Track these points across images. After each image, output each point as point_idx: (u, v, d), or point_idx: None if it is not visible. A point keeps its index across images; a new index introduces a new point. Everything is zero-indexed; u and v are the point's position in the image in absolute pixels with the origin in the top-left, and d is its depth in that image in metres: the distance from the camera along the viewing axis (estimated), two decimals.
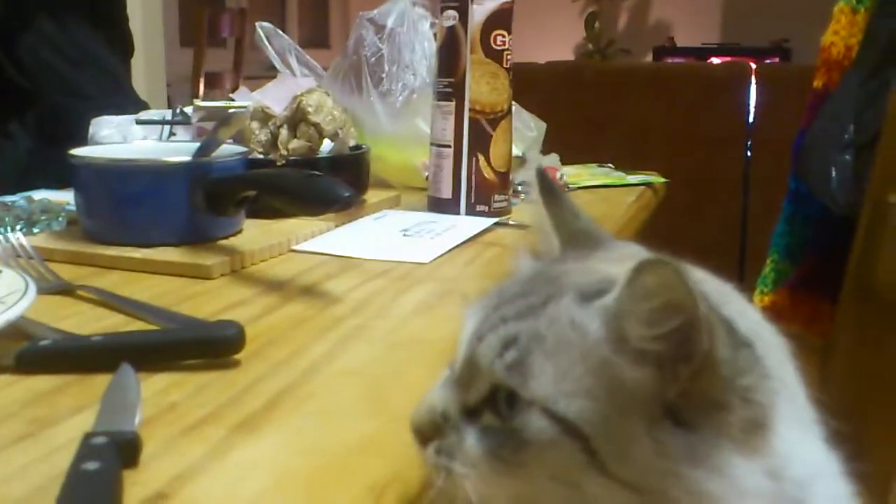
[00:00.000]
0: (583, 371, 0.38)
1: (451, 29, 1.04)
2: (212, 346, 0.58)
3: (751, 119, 3.01)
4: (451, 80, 1.05)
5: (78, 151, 0.87)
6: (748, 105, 3.01)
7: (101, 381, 0.52)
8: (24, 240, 0.80)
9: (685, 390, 0.37)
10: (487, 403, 0.40)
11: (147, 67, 2.86)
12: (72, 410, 0.50)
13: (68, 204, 0.94)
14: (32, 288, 0.61)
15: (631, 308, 0.37)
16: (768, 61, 4.61)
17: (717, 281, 0.43)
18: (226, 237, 0.87)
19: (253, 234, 0.90)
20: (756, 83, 3.01)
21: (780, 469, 0.37)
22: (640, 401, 0.37)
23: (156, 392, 0.53)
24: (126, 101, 1.44)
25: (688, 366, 0.36)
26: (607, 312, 0.38)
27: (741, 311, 0.41)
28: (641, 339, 0.37)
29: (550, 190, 0.48)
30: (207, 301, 0.72)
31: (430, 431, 0.41)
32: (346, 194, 0.72)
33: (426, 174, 1.15)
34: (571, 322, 0.39)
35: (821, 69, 1.29)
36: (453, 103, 1.05)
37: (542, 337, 0.39)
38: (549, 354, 0.38)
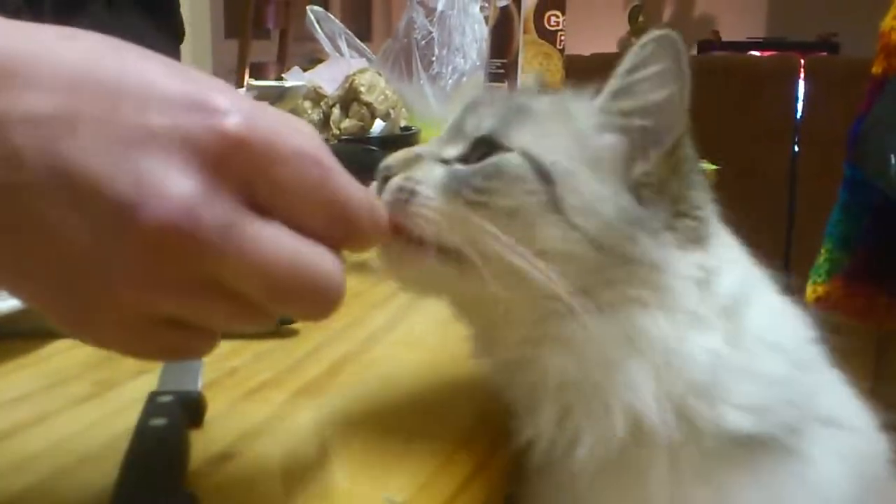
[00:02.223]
0: (564, 139, 0.43)
1: (505, 9, 1.03)
2: None
3: (799, 113, 2.96)
4: (504, 60, 1.04)
5: None
6: (796, 99, 2.97)
7: None
8: None
9: (653, 172, 0.42)
10: (464, 158, 0.43)
11: (194, 59, 2.89)
12: (134, 373, 0.50)
13: None
14: None
15: (624, 80, 0.42)
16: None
17: None
18: None
19: None
20: (804, 77, 2.96)
21: (710, 275, 0.42)
22: (612, 170, 0.42)
23: (216, 357, 0.52)
24: None
25: (660, 143, 0.42)
26: (598, 97, 0.44)
27: None
28: (628, 111, 0.42)
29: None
30: None
31: (399, 167, 0.43)
32: None
33: None
34: (561, 104, 0.44)
35: (879, 55, 1.25)
36: (506, 84, 1.05)
37: (530, 109, 0.44)
38: (534, 121, 0.43)
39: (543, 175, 0.41)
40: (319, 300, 0.33)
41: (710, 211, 0.44)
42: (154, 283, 0.30)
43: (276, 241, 0.31)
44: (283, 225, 0.32)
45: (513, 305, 0.42)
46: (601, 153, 0.42)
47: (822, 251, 1.30)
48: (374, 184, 0.43)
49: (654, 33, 0.42)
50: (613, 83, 0.43)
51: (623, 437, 0.40)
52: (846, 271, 1.26)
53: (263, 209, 0.31)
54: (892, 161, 1.12)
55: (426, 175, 0.42)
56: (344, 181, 0.33)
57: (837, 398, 0.46)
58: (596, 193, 0.41)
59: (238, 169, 0.30)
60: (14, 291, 0.32)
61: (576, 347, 0.41)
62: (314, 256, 0.32)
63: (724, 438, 0.41)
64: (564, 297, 0.40)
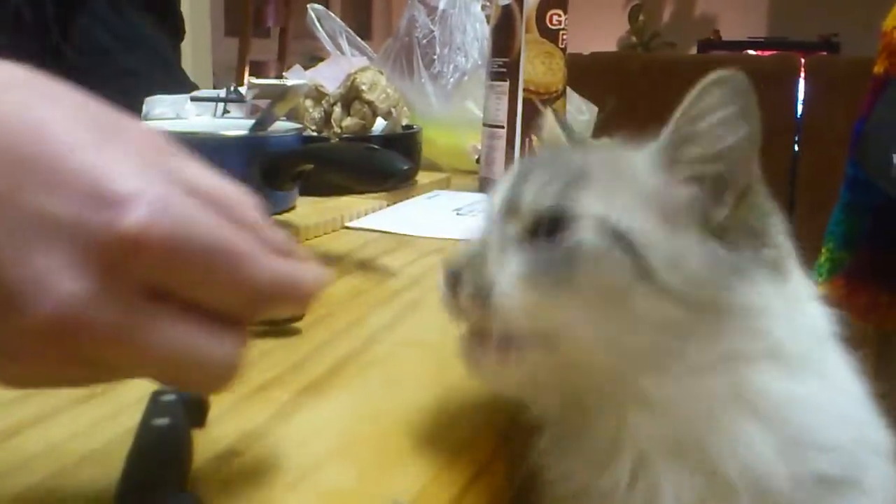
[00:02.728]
0: (632, 197, 0.40)
1: (507, 8, 1.03)
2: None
3: (799, 113, 2.96)
4: (506, 59, 1.04)
5: None
6: (797, 99, 2.97)
7: None
8: None
9: (731, 213, 0.40)
10: (528, 236, 0.41)
11: (194, 57, 2.89)
12: None
13: None
14: None
15: (691, 127, 0.40)
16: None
17: None
18: (280, 213, 0.87)
19: (306, 210, 0.90)
20: (805, 77, 2.96)
21: (797, 308, 0.41)
22: (689, 220, 0.40)
23: None
24: (177, 83, 1.44)
25: (736, 185, 0.40)
26: (659, 146, 0.41)
27: None
28: (697, 160, 0.40)
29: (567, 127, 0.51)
30: None
31: (465, 269, 0.41)
32: (405, 167, 0.72)
33: (476, 157, 1.15)
34: (617, 160, 0.42)
35: (881, 55, 1.25)
36: (507, 83, 1.04)
37: (588, 173, 0.41)
38: (597, 184, 0.40)
39: (624, 243, 0.38)
40: (206, 386, 0.34)
41: (786, 236, 0.43)
42: (38, 360, 0.30)
43: (168, 339, 0.31)
44: (182, 312, 0.31)
45: (601, 382, 0.40)
46: (675, 205, 0.40)
47: (824, 251, 1.30)
48: (439, 279, 0.43)
49: (717, 75, 0.39)
50: (676, 130, 0.41)
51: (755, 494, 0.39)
52: (847, 271, 1.26)
53: (166, 294, 0.31)
54: (894, 161, 1.12)
55: (499, 269, 0.40)
56: (257, 269, 0.32)
57: (877, 424, 0.44)
58: (679, 249, 0.39)
59: (135, 269, 0.30)
60: None
61: (667, 408, 0.39)
62: (207, 349, 0.32)
63: (803, 482, 0.39)
64: (639, 376, 0.39)
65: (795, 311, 0.41)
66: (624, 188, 0.41)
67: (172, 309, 0.31)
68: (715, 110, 0.39)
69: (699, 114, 0.40)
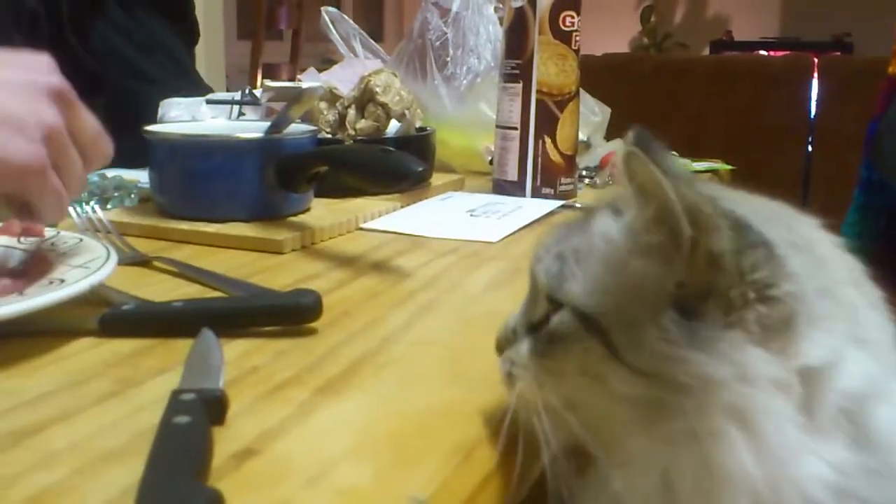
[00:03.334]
0: (605, 272, 0.40)
1: (520, 10, 1.03)
2: (290, 314, 0.58)
3: (812, 114, 2.95)
4: (519, 61, 1.04)
5: (153, 128, 0.88)
6: (810, 99, 2.96)
7: (183, 345, 0.52)
8: (101, 213, 0.81)
9: (685, 280, 0.38)
10: (547, 317, 0.43)
11: (207, 59, 2.90)
12: (156, 371, 0.50)
13: (140, 182, 0.95)
14: (114, 255, 0.62)
15: (629, 199, 0.40)
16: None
17: (769, 202, 0.45)
18: (295, 214, 0.88)
19: (321, 212, 0.90)
20: (818, 77, 2.96)
21: (815, 374, 0.37)
22: (647, 292, 0.39)
23: (237, 356, 0.53)
24: (192, 87, 1.45)
25: (678, 254, 0.38)
26: (624, 221, 0.41)
27: (792, 226, 0.42)
28: (640, 230, 0.39)
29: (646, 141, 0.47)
30: (279, 274, 0.73)
31: (503, 344, 0.46)
32: (419, 168, 0.72)
33: (490, 158, 1.15)
34: (603, 233, 0.41)
35: (895, 55, 1.25)
36: (520, 85, 1.05)
37: (579, 249, 0.42)
38: (582, 262, 0.41)
39: (593, 327, 0.39)
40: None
41: (793, 283, 0.38)
42: None
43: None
44: None
45: (607, 443, 0.41)
46: (638, 279, 0.39)
47: None
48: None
49: (622, 152, 0.39)
50: (626, 202, 0.41)
51: None
52: None
53: None
54: None
55: (517, 354, 0.44)
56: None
57: None
58: (640, 324, 0.38)
59: None
60: None
61: (660, 471, 0.39)
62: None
63: None
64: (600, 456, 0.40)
65: (808, 375, 0.37)
66: (603, 267, 0.41)
67: None
68: (629, 184, 0.39)
69: (626, 185, 0.40)
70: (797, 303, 0.37)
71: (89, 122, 0.61)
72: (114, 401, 0.47)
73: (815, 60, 2.98)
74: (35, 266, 0.61)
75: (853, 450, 0.37)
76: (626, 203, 0.40)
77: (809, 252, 0.40)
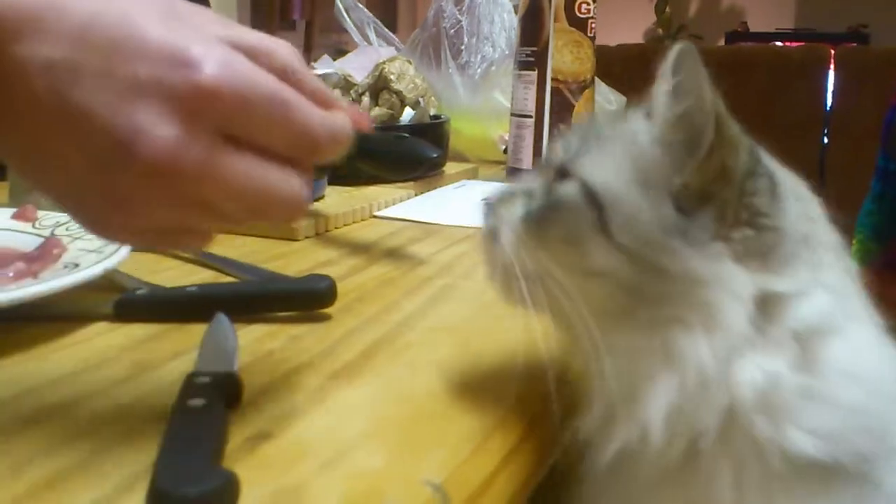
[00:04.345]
0: (621, 157, 0.43)
1: None
2: (305, 299, 0.58)
3: (828, 105, 2.93)
4: (534, 48, 1.04)
5: None
6: (826, 90, 2.94)
7: (197, 330, 0.52)
8: None
9: (690, 182, 0.41)
10: (545, 190, 0.45)
11: None
12: (171, 355, 0.50)
13: None
14: None
15: (657, 91, 0.43)
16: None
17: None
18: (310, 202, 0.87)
19: (335, 200, 0.90)
20: (834, 68, 2.93)
21: (777, 298, 0.41)
22: (654, 181, 0.42)
23: (251, 341, 0.53)
24: None
25: (694, 155, 0.41)
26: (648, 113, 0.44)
27: (799, 184, 0.46)
28: (662, 123, 0.42)
29: None
30: (294, 261, 0.73)
31: (498, 202, 0.47)
32: (433, 155, 0.72)
33: (503, 147, 1.15)
34: (630, 126, 0.44)
35: None
36: (535, 73, 1.04)
37: (602, 135, 0.45)
38: (603, 145, 0.44)
39: (594, 201, 0.42)
40: (283, 214, 0.40)
41: (785, 220, 0.42)
42: (147, 201, 0.37)
43: (245, 170, 0.38)
44: (254, 154, 0.38)
45: (580, 322, 0.43)
46: (650, 168, 0.42)
47: (854, 242, 1.29)
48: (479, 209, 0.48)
49: (674, 48, 0.42)
50: (654, 98, 0.43)
51: (644, 448, 0.41)
52: (878, 263, 1.25)
53: (238, 140, 0.38)
54: None
55: (508, 213, 0.46)
56: (304, 113, 0.39)
57: None
58: (638, 207, 0.41)
59: (212, 114, 0.36)
60: (48, 197, 0.40)
61: (620, 362, 0.42)
62: (278, 179, 0.39)
63: (793, 462, 0.40)
64: (591, 323, 0.42)
65: (776, 298, 0.41)
66: (620, 151, 0.44)
67: (244, 149, 0.38)
68: (667, 80, 0.42)
69: (659, 83, 0.43)
70: (781, 238, 0.42)
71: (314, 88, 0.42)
72: (129, 384, 0.47)
73: (832, 51, 2.96)
74: (49, 250, 0.61)
75: (796, 371, 0.40)
76: (660, 104, 0.43)
77: (806, 207, 0.44)
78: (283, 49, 0.41)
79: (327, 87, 0.43)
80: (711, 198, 0.41)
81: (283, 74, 0.39)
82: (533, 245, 0.44)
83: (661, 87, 0.43)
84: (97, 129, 0.35)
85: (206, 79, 0.36)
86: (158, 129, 0.35)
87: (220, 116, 0.37)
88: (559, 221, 0.43)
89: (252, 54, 0.38)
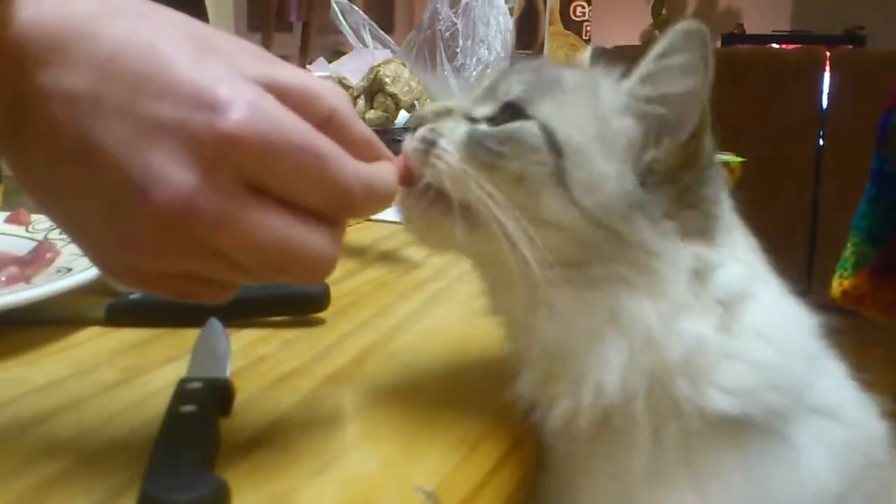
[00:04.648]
0: (585, 116, 0.43)
1: (530, 0, 1.03)
2: (298, 303, 0.58)
3: (824, 107, 2.94)
4: (529, 51, 1.04)
5: None
6: (821, 92, 2.94)
7: (189, 335, 0.52)
8: None
9: (663, 161, 0.42)
10: (490, 119, 0.44)
11: None
12: (163, 360, 0.50)
13: None
14: None
15: (649, 67, 0.42)
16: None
17: None
18: None
19: None
20: (830, 70, 2.94)
21: (709, 268, 0.43)
22: (623, 152, 0.42)
23: (244, 346, 0.53)
24: None
25: (674, 134, 0.42)
26: (622, 79, 0.44)
27: None
28: (647, 98, 0.43)
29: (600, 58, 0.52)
30: None
31: (430, 117, 0.45)
32: None
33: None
34: (591, 81, 0.45)
35: None
36: None
37: (560, 82, 0.44)
38: (562, 93, 0.44)
39: (556, 148, 0.42)
40: (307, 274, 0.37)
41: (722, 208, 0.45)
42: (160, 250, 0.35)
43: (268, 225, 0.35)
44: (279, 205, 0.35)
45: (512, 267, 0.42)
46: (617, 135, 0.43)
47: (849, 245, 1.29)
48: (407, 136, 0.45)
49: (683, 24, 0.42)
50: (641, 68, 0.43)
51: (595, 407, 0.42)
52: (872, 266, 1.25)
53: (265, 191, 0.35)
54: None
55: (450, 129, 0.44)
56: (340, 167, 0.36)
57: (835, 389, 0.47)
58: (602, 172, 0.42)
59: (234, 163, 0.34)
60: (59, 228, 0.38)
61: (561, 316, 0.42)
62: (303, 237, 0.36)
63: (708, 419, 0.41)
64: (536, 267, 0.41)
65: (706, 268, 0.43)
66: (582, 106, 0.43)
67: (269, 201, 0.35)
68: (672, 56, 0.42)
69: (658, 56, 0.43)
70: (718, 222, 0.44)
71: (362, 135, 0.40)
72: (121, 389, 0.47)
73: (828, 53, 2.96)
74: (42, 255, 0.61)
75: (718, 332, 0.42)
76: (643, 77, 0.43)
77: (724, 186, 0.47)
78: (327, 92, 0.37)
79: (375, 138, 0.40)
80: (675, 180, 0.43)
81: (326, 121, 0.36)
82: (477, 173, 0.42)
83: (660, 62, 0.42)
84: (114, 168, 0.33)
85: (231, 125, 0.33)
86: (175, 174, 0.33)
87: (244, 165, 0.34)
88: (512, 158, 0.42)
89: (290, 97, 0.35)
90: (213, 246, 0.35)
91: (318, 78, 0.38)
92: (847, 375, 0.48)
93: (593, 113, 0.43)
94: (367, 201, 0.38)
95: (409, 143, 0.44)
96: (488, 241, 0.42)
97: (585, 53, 0.54)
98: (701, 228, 0.43)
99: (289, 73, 0.37)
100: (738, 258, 0.45)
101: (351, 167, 0.36)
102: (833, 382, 0.47)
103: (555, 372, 0.43)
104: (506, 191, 0.41)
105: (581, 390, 0.42)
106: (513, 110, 0.44)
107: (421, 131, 0.44)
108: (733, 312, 0.43)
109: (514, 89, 0.45)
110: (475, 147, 0.42)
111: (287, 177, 0.35)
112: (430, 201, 0.43)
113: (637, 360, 0.41)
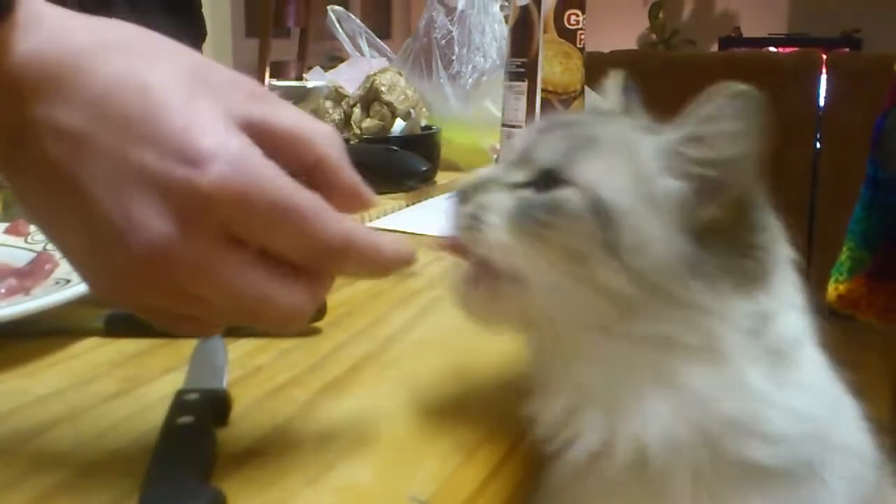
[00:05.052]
0: (629, 177, 0.42)
1: (524, 8, 1.03)
2: None
3: (821, 110, 2.94)
4: (524, 59, 1.04)
5: None
6: (818, 96, 2.95)
7: (187, 345, 0.52)
8: None
9: (721, 217, 0.41)
10: (529, 185, 0.44)
11: (215, 57, 2.90)
12: (161, 371, 0.51)
13: None
14: None
15: (698, 129, 0.42)
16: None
17: None
18: None
19: None
20: (827, 73, 2.94)
21: (765, 318, 0.42)
22: (671, 212, 0.41)
23: (241, 356, 0.54)
24: None
25: (727, 194, 0.41)
26: (668, 138, 0.43)
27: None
28: (696, 161, 0.42)
29: (629, 86, 0.52)
30: None
31: (472, 191, 0.45)
32: (423, 168, 0.73)
33: (495, 157, 1.15)
34: (627, 138, 0.44)
35: None
36: (525, 84, 1.05)
37: (597, 142, 0.44)
38: (599, 155, 0.43)
39: (602, 214, 0.41)
40: (280, 323, 0.38)
41: (777, 252, 0.44)
42: (141, 287, 0.36)
43: (243, 276, 0.36)
44: (258, 257, 0.36)
45: (560, 330, 0.43)
46: (663, 195, 0.42)
47: (844, 249, 1.30)
48: (448, 203, 0.46)
49: (736, 88, 0.41)
50: (686, 128, 0.43)
51: (630, 452, 0.41)
52: (868, 270, 1.26)
53: (244, 242, 0.36)
54: None
55: (495, 203, 0.44)
56: (319, 222, 0.36)
57: (850, 424, 0.47)
58: (650, 233, 0.41)
59: (214, 216, 0.35)
60: (55, 248, 0.40)
61: (606, 365, 0.42)
62: (278, 290, 0.37)
63: (747, 466, 0.41)
64: (585, 329, 0.42)
65: (762, 321, 0.42)
66: (624, 166, 0.43)
67: (248, 253, 0.36)
68: (725, 120, 0.41)
69: (711, 118, 0.41)
70: (773, 266, 0.43)
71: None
72: (119, 400, 0.47)
73: (824, 57, 2.97)
74: (41, 266, 0.61)
75: (770, 383, 0.42)
76: (690, 140, 0.42)
77: (778, 229, 0.45)
78: (318, 138, 0.38)
79: (361, 184, 0.41)
80: (726, 236, 0.42)
81: (312, 167, 0.38)
82: (524, 243, 0.42)
83: (709, 126, 0.41)
84: (97, 208, 0.34)
85: (209, 182, 0.34)
86: (154, 224, 0.34)
87: (221, 219, 0.35)
88: (559, 228, 0.42)
89: (279, 140, 0.37)
90: (192, 289, 0.36)
91: (312, 120, 0.39)
92: (855, 406, 0.47)
93: (635, 172, 0.43)
94: (348, 255, 0.38)
95: (456, 219, 0.44)
96: (539, 309, 0.43)
97: (615, 80, 0.52)
98: (754, 275, 0.42)
99: (281, 116, 0.37)
100: (792, 302, 0.45)
101: (332, 222, 0.37)
102: (848, 416, 0.47)
103: (588, 408, 0.43)
104: (555, 260, 0.42)
105: (618, 435, 0.42)
106: (553, 176, 0.43)
107: (466, 208, 0.44)
108: (785, 362, 0.43)
109: (551, 154, 0.44)
110: (522, 219, 0.42)
111: (265, 231, 0.36)
112: (482, 281, 0.44)
113: (685, 415, 0.41)
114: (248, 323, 0.39)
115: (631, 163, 0.43)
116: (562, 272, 0.42)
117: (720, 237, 0.42)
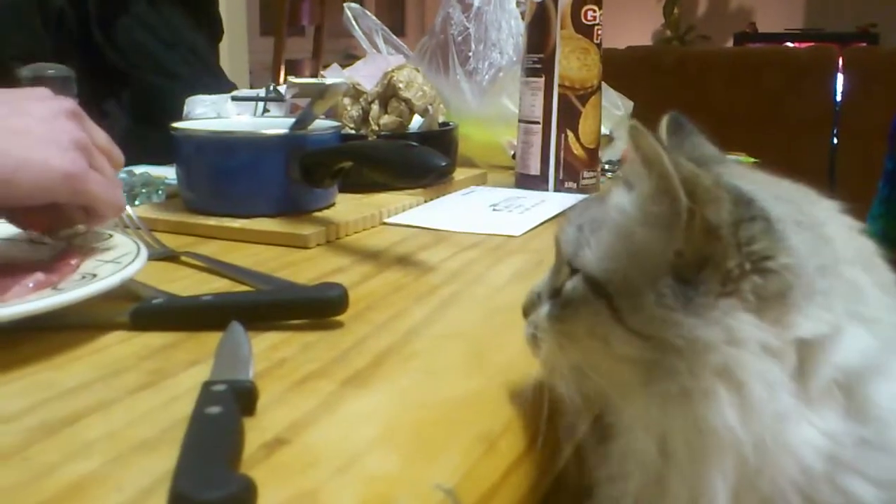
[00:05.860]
0: (615, 241, 0.43)
1: (542, 4, 1.04)
2: (317, 307, 0.59)
3: (837, 105, 2.93)
4: (541, 55, 1.05)
5: (180, 125, 0.89)
6: (835, 91, 2.94)
7: (212, 338, 0.53)
8: (129, 209, 0.82)
9: (682, 249, 0.40)
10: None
11: (231, 56, 2.92)
12: (187, 363, 0.52)
13: (167, 178, 0.97)
14: (144, 250, 0.63)
15: (639, 173, 0.42)
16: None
17: (790, 184, 0.46)
18: (320, 209, 0.89)
19: (346, 207, 0.92)
20: (843, 68, 2.93)
21: (809, 345, 0.38)
22: (648, 260, 0.41)
23: (265, 349, 0.54)
24: (216, 83, 1.47)
25: (677, 224, 0.39)
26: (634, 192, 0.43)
27: (803, 205, 0.43)
28: (646, 200, 0.42)
29: (679, 125, 0.51)
30: (305, 269, 0.74)
31: (528, 309, 0.48)
32: (442, 163, 0.73)
33: (512, 153, 1.16)
34: (616, 205, 0.44)
35: None
36: (542, 79, 1.05)
37: (595, 220, 0.45)
38: (596, 232, 0.44)
39: (600, 291, 0.42)
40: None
41: (791, 257, 0.39)
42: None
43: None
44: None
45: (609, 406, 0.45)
46: (642, 247, 0.41)
47: None
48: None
49: (630, 127, 0.41)
50: (645, 186, 0.42)
51: None
52: None
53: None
54: None
55: (539, 317, 0.47)
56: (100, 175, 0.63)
57: None
58: (639, 286, 0.41)
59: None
60: None
61: (652, 437, 0.41)
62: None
63: None
64: (621, 400, 0.43)
65: (809, 346, 0.38)
66: (614, 235, 0.43)
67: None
68: (635, 156, 0.41)
69: (631, 160, 0.42)
70: (793, 276, 0.38)
71: (101, 133, 0.67)
72: (147, 392, 0.48)
73: (840, 52, 2.96)
74: (66, 261, 0.62)
75: (847, 421, 0.38)
76: (636, 177, 0.42)
77: (815, 231, 0.41)
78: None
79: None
80: (708, 259, 0.39)
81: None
82: (563, 343, 0.45)
83: (632, 168, 0.42)
84: None
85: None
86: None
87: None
88: (577, 318, 0.44)
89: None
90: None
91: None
92: None
93: (620, 234, 0.43)
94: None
95: (527, 337, 0.48)
96: (593, 388, 0.44)
97: (663, 123, 0.50)
98: (775, 293, 0.38)
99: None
100: (857, 313, 0.39)
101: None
102: None
103: (651, 483, 0.42)
104: (585, 348, 0.44)
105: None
106: (571, 269, 0.45)
107: (526, 329, 0.48)
108: (860, 395, 0.38)
109: (567, 248, 0.46)
110: (552, 323, 0.45)
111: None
112: (549, 369, 0.46)
113: (748, 478, 0.38)
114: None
115: (620, 228, 0.43)
116: (596, 355, 0.43)
117: (703, 266, 0.39)
